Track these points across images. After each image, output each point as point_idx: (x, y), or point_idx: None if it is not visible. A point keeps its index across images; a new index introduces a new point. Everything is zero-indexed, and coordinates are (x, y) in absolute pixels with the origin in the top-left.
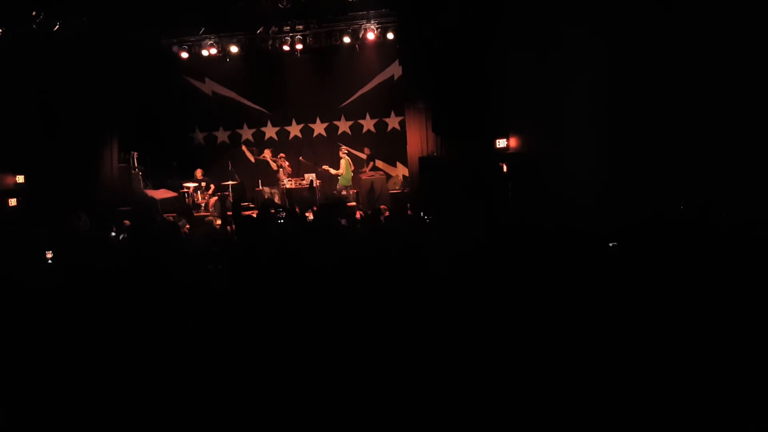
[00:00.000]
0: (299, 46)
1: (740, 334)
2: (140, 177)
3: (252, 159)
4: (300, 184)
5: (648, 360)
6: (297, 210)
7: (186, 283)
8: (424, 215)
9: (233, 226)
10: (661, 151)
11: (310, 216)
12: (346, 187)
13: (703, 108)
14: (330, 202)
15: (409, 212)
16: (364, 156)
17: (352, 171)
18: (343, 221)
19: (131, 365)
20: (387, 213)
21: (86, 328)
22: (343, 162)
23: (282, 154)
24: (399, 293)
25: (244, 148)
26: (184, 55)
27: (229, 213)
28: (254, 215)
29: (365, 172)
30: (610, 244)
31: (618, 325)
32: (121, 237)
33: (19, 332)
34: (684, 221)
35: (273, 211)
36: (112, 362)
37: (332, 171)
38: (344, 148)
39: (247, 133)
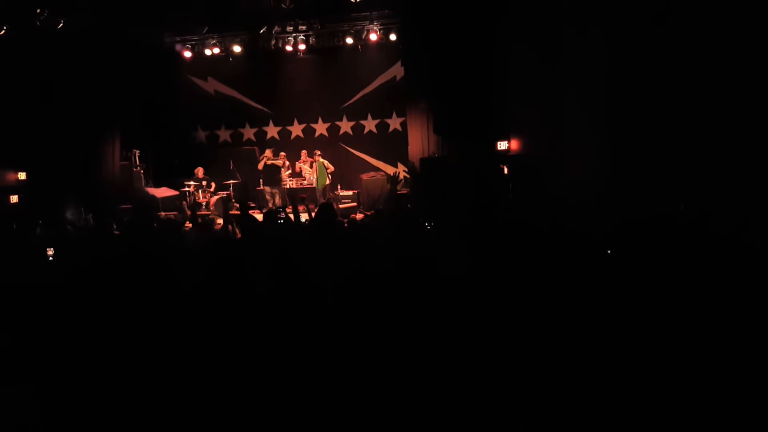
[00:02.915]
0: (302, 46)
1: (738, 337)
2: (142, 175)
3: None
4: (301, 184)
5: (646, 362)
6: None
7: (185, 282)
8: (426, 223)
9: (234, 226)
10: (661, 153)
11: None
12: (320, 190)
13: (703, 109)
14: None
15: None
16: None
17: (328, 174)
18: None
19: (129, 363)
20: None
21: (86, 325)
22: (315, 165)
23: (282, 153)
24: (398, 294)
25: (268, 155)
26: (187, 54)
27: (232, 212)
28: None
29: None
30: (608, 251)
31: (618, 327)
32: (118, 232)
33: (21, 329)
34: (682, 224)
35: (274, 209)
36: (109, 360)
37: (305, 170)
38: (318, 152)
39: (249, 133)
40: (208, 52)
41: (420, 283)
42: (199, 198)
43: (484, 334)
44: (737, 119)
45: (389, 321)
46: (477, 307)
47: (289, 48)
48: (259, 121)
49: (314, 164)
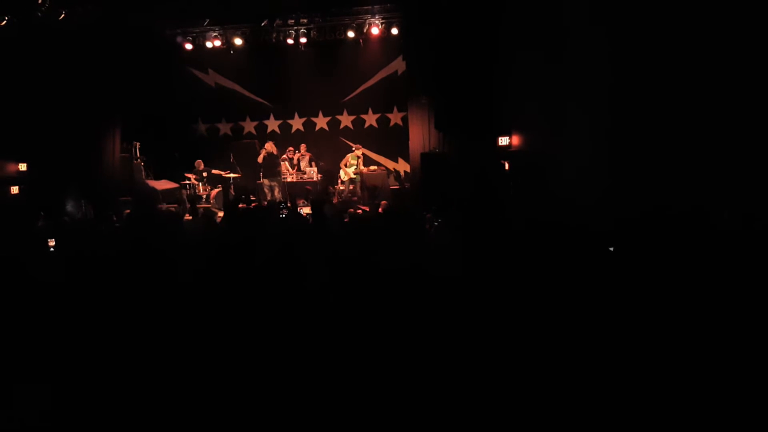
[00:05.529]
0: (303, 40)
1: (740, 334)
2: (142, 167)
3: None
4: (302, 178)
5: (648, 359)
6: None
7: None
8: (434, 219)
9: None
10: (663, 149)
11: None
12: (351, 179)
13: (708, 106)
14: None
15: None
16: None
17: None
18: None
19: (128, 358)
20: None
21: (87, 317)
22: (361, 159)
23: (290, 148)
24: (400, 292)
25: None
26: (188, 46)
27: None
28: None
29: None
30: (610, 249)
31: (620, 324)
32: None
33: (22, 322)
34: (685, 220)
35: (275, 203)
36: (109, 355)
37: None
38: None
39: (249, 126)
40: (209, 44)
41: (421, 281)
42: (199, 190)
43: (486, 332)
44: (740, 116)
45: (390, 319)
46: (479, 305)
47: (290, 41)
48: (260, 115)
49: (359, 158)
